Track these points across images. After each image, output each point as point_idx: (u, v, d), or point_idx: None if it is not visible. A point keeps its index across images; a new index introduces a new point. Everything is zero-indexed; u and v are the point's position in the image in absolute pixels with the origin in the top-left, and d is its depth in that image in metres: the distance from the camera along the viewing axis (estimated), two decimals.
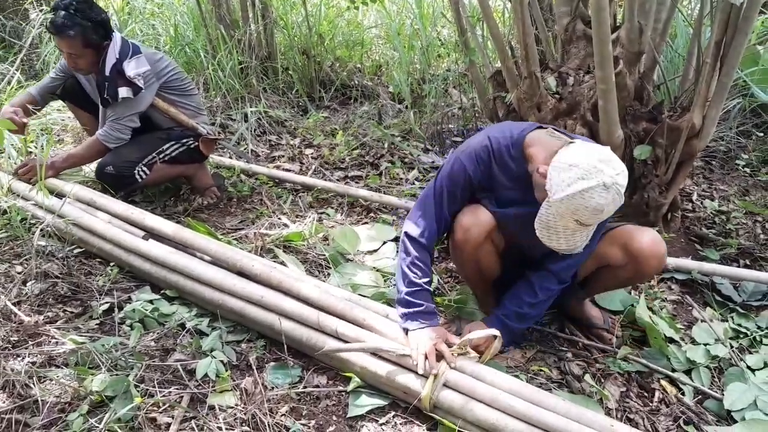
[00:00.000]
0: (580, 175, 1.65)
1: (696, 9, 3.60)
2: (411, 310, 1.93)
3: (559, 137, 1.87)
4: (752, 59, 4.16)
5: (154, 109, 3.01)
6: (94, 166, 3.04)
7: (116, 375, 1.78)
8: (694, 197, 3.52)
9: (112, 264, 2.43)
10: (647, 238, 2.02)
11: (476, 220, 1.97)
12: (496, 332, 1.92)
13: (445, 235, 2.15)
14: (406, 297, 1.95)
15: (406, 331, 1.92)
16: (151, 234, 2.48)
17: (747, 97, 4.23)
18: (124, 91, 2.82)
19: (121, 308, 2.15)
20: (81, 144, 3.06)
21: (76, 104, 3.18)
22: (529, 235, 1.84)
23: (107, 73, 2.79)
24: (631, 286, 2.55)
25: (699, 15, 2.96)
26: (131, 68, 2.81)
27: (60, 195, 2.73)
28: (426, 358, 1.80)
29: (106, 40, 2.81)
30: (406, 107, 4.57)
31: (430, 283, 1.99)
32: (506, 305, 2.07)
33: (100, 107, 2.97)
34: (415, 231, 2.00)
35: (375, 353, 1.91)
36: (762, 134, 4.20)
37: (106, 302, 2.19)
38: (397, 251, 2.77)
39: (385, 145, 4.11)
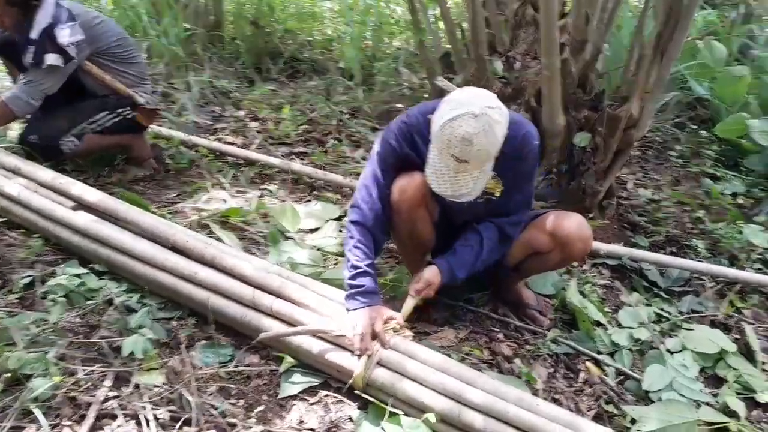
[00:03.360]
0: (453, 106, 1.72)
1: (642, 1, 3.69)
2: (352, 291, 1.94)
3: None
4: (691, 53, 4.31)
5: (87, 75, 2.86)
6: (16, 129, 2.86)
7: (35, 352, 1.71)
8: (629, 185, 3.63)
9: (36, 235, 2.32)
10: (573, 224, 2.09)
11: (411, 180, 1.98)
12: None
13: None
14: (349, 280, 1.96)
15: (348, 310, 1.93)
16: (80, 205, 2.37)
17: (684, 90, 4.38)
18: (52, 58, 2.64)
19: (44, 282, 2.06)
20: None
21: (11, 60, 2.98)
22: (456, 206, 1.92)
23: (34, 35, 2.61)
24: (562, 268, 2.62)
25: (644, 8, 3.02)
26: (65, 36, 2.63)
27: None
28: (362, 338, 1.81)
29: None
30: (356, 84, 4.52)
31: (372, 265, 1.99)
32: (458, 253, 2.07)
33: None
34: (355, 215, 2.03)
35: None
36: (695, 127, 4.36)
37: (28, 276, 2.09)
38: (340, 230, 2.77)
39: (333, 122, 4.07)
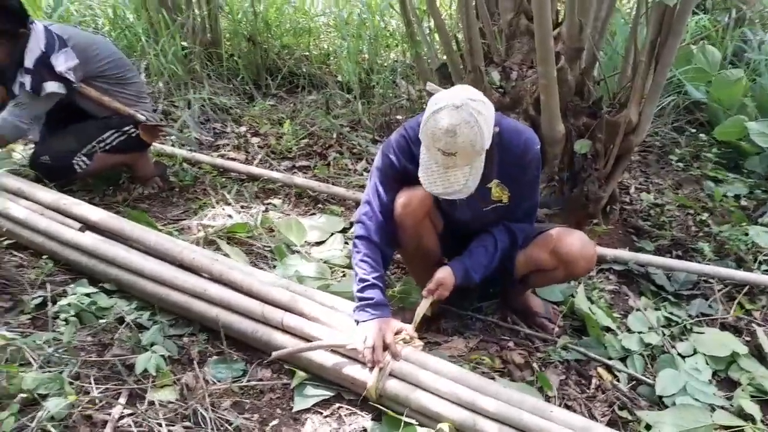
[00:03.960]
0: (435, 101, 1.75)
1: (635, 8, 3.73)
2: (361, 303, 1.95)
3: None
4: (686, 58, 4.35)
5: (84, 98, 2.86)
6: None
7: (49, 372, 1.71)
8: (632, 190, 3.64)
9: (45, 257, 2.32)
10: (576, 243, 2.08)
11: (413, 195, 1.99)
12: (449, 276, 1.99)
13: None
14: (357, 294, 1.97)
15: (358, 323, 1.93)
16: (87, 225, 2.38)
17: (681, 94, 4.41)
18: (53, 86, 2.65)
19: (55, 302, 2.06)
20: None
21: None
22: (461, 211, 1.96)
23: (30, 65, 2.61)
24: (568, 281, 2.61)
25: (636, 14, 3.06)
26: (61, 63, 2.65)
27: None
28: (373, 350, 1.81)
29: (21, 27, 2.62)
30: (355, 97, 4.55)
31: (381, 277, 1.99)
32: (470, 251, 2.06)
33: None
34: (360, 229, 2.05)
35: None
36: (694, 130, 4.38)
37: (39, 296, 2.09)
38: (346, 243, 2.78)
39: (334, 135, 4.08)
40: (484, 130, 1.74)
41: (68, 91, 2.73)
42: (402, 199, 2.00)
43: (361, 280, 1.97)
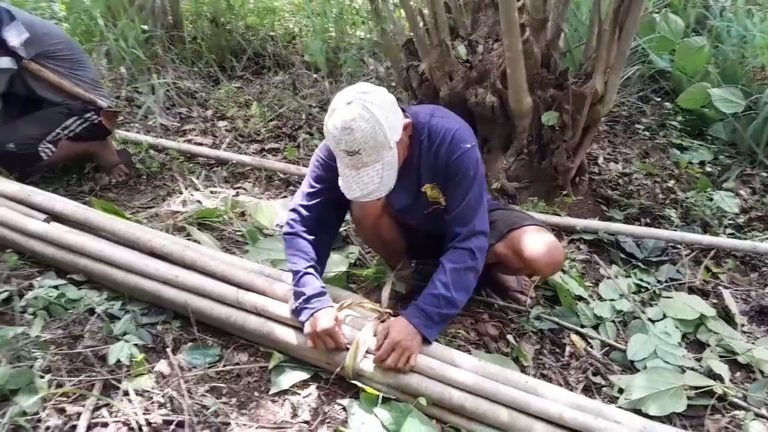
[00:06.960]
0: (331, 104, 1.71)
1: None
2: (299, 302, 1.86)
3: None
4: (650, 27, 4.38)
5: (43, 84, 2.78)
6: None
7: (19, 367, 1.68)
8: (600, 160, 3.69)
9: (9, 250, 2.26)
10: (542, 250, 2.00)
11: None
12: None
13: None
14: (294, 287, 1.89)
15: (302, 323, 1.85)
16: (52, 216, 2.32)
17: (645, 63, 4.46)
18: (5, 62, 2.59)
19: (21, 296, 2.01)
20: None
21: None
22: (407, 216, 2.00)
23: None
24: None
25: None
26: (13, 36, 2.58)
27: None
28: (324, 343, 1.80)
29: None
30: (322, 77, 4.49)
31: (312, 266, 1.91)
32: (422, 294, 1.91)
33: None
34: (287, 227, 2.00)
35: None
36: (659, 99, 4.44)
37: (5, 291, 2.04)
38: None
39: (303, 116, 4.04)
40: (383, 121, 1.67)
41: (18, 66, 2.65)
42: (355, 204, 1.97)
43: (294, 273, 1.90)
